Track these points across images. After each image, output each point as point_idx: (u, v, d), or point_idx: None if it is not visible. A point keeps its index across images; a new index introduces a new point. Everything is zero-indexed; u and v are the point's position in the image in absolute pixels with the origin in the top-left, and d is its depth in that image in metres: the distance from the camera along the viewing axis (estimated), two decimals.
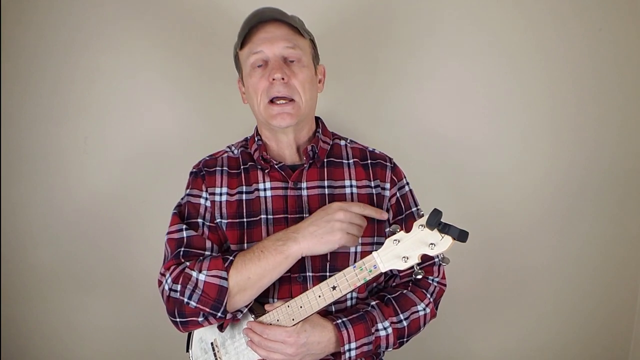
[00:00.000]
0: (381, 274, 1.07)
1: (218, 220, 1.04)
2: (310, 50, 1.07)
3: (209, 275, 0.94)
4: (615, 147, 1.48)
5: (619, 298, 1.55)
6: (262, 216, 1.03)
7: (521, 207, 1.50)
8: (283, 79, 0.99)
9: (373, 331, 0.99)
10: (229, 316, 0.96)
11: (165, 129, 1.47)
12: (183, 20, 1.43)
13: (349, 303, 1.05)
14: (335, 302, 0.97)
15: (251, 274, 0.94)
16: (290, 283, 1.01)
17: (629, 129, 1.48)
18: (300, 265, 1.00)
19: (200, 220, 1.04)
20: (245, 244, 1.02)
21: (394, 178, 1.10)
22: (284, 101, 1.00)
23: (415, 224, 0.86)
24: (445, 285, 1.12)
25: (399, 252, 0.86)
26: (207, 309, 0.94)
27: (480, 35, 1.44)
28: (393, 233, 0.87)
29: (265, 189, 1.05)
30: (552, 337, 1.57)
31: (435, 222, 0.81)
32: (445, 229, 0.82)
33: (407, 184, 1.13)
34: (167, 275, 0.98)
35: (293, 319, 0.93)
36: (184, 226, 1.02)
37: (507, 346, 1.57)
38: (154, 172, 1.47)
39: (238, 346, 0.98)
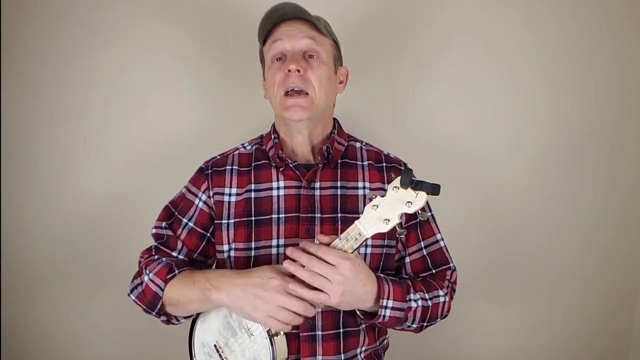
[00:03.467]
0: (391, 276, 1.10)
1: (225, 221, 1.04)
2: (332, 50, 1.06)
3: (150, 280, 1.00)
4: (615, 146, 1.48)
5: (619, 297, 1.56)
6: (274, 215, 1.03)
7: (523, 208, 1.51)
8: (298, 70, 0.98)
9: (407, 300, 0.97)
10: (163, 317, 1.03)
11: (166, 129, 1.47)
12: (185, 18, 1.43)
13: None
14: None
15: (181, 297, 0.97)
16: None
17: (629, 128, 1.48)
18: None
19: (185, 220, 1.08)
20: (253, 242, 1.03)
21: None
22: (297, 94, 0.99)
23: (390, 187, 0.87)
24: (455, 290, 1.12)
25: (380, 216, 0.88)
26: (143, 306, 1.03)
27: (482, 36, 1.44)
28: (370, 199, 0.89)
29: (278, 188, 1.05)
30: (552, 336, 1.57)
31: (408, 181, 0.84)
32: (418, 186, 0.85)
33: (410, 170, 1.12)
34: (142, 260, 1.08)
35: None
36: (164, 224, 1.09)
37: (507, 345, 1.57)
38: (154, 172, 1.47)
39: (242, 342, 0.98)
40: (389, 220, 0.88)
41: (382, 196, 0.88)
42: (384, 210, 0.88)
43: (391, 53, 1.45)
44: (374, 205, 0.88)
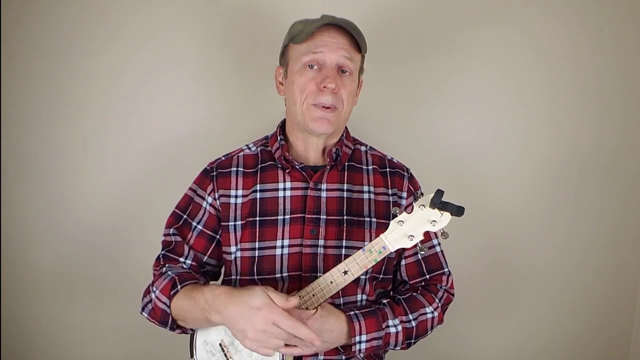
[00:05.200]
0: (390, 280, 1.12)
1: (232, 223, 1.05)
2: (360, 65, 1.09)
3: (156, 297, 1.01)
4: (615, 146, 1.48)
5: (619, 298, 1.56)
6: (279, 217, 1.04)
7: (524, 209, 1.51)
8: (334, 89, 1.00)
9: (384, 327, 1.00)
10: (178, 330, 1.02)
11: (166, 128, 1.47)
12: (186, 17, 1.43)
13: (358, 304, 1.05)
14: (344, 303, 1.02)
15: (187, 316, 0.98)
16: (301, 282, 1.02)
17: (629, 128, 1.48)
18: (311, 266, 1.02)
19: (194, 224, 1.09)
20: (257, 242, 1.03)
21: (411, 188, 1.13)
22: (327, 109, 1.01)
23: (416, 205, 0.91)
24: (453, 294, 1.14)
25: (405, 232, 0.92)
26: (157, 322, 1.03)
27: (483, 39, 1.44)
28: (395, 215, 0.92)
29: (285, 189, 1.06)
30: (552, 337, 1.57)
31: (439, 202, 0.88)
32: (444, 206, 0.89)
33: (422, 194, 1.13)
34: (154, 272, 1.08)
35: (307, 308, 0.95)
36: (173, 230, 1.09)
37: (507, 346, 1.57)
38: (154, 171, 1.47)
39: None
40: (413, 237, 0.92)
41: (408, 212, 0.91)
42: (409, 227, 0.91)
43: (397, 58, 1.45)
44: (399, 221, 0.92)
